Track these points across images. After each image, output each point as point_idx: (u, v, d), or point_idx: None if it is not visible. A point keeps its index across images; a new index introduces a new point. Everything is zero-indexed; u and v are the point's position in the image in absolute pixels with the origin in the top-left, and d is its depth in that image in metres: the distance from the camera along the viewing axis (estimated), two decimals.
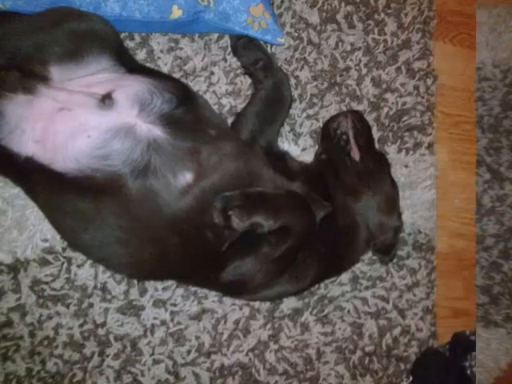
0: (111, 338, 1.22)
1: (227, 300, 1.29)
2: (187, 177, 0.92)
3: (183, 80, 1.22)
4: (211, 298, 1.28)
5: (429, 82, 1.48)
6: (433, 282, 1.48)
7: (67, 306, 1.19)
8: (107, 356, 1.21)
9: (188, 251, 0.98)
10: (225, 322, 1.29)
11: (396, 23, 1.44)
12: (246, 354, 1.31)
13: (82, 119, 0.91)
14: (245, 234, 0.96)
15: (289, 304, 1.34)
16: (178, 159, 0.92)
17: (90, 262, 1.19)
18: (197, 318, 1.27)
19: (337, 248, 1.14)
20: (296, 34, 1.33)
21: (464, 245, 1.57)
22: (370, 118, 1.39)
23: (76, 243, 1.05)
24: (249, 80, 1.27)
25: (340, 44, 1.38)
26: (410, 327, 1.46)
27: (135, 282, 1.22)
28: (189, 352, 1.27)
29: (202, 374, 1.28)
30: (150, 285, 1.24)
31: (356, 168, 1.17)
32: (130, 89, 0.95)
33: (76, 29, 0.98)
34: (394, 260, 1.40)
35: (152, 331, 1.24)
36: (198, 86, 1.25)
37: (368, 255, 1.38)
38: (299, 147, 1.34)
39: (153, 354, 1.25)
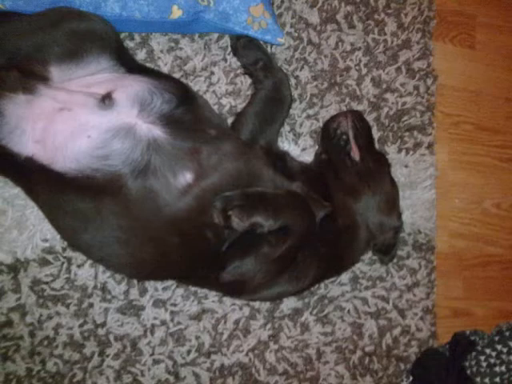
0: (111, 338, 1.22)
1: (227, 300, 1.29)
2: (187, 177, 0.92)
3: (183, 80, 1.22)
4: (211, 298, 1.28)
5: (429, 81, 1.48)
6: (433, 282, 1.48)
7: (67, 306, 1.19)
8: (107, 356, 1.21)
9: (188, 251, 0.98)
10: (225, 322, 1.29)
11: (396, 23, 1.44)
12: (246, 354, 1.31)
13: (82, 119, 0.91)
14: (245, 234, 0.96)
15: (289, 304, 1.34)
16: (178, 159, 0.92)
17: (90, 262, 1.19)
18: (197, 318, 1.27)
19: (337, 248, 1.14)
20: (296, 34, 1.33)
21: (464, 245, 1.57)
22: (369, 118, 1.39)
23: (76, 243, 1.04)
24: (249, 80, 1.27)
25: (340, 44, 1.38)
26: (409, 327, 1.46)
27: (135, 282, 1.22)
28: (189, 352, 1.27)
29: (202, 373, 1.28)
30: (150, 285, 1.24)
31: (356, 168, 1.17)
32: (130, 89, 0.95)
33: (76, 29, 0.98)
34: (394, 260, 1.40)
35: (152, 331, 1.24)
36: (198, 85, 1.25)
37: (368, 255, 1.38)
38: (299, 147, 1.34)
39: (153, 354, 1.24)
